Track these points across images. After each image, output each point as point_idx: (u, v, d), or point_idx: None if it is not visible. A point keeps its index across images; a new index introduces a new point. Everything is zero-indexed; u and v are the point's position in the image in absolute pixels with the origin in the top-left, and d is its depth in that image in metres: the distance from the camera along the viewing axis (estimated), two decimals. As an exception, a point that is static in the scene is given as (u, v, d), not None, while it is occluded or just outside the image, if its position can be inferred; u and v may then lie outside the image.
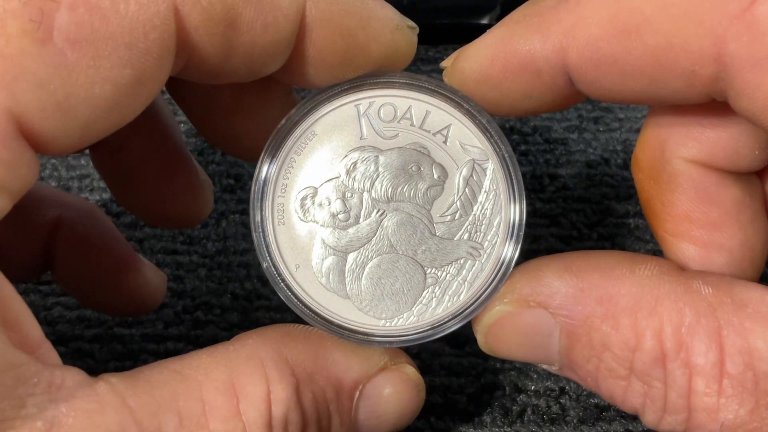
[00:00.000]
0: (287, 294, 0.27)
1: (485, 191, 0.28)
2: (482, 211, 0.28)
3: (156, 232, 0.43)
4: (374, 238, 0.28)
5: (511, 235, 0.27)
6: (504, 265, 0.27)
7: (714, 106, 0.25)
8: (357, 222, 0.28)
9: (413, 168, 0.28)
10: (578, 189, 0.44)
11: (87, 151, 0.44)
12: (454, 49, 0.28)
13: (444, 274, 0.27)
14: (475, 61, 0.27)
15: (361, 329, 0.27)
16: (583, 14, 0.25)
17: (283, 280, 0.27)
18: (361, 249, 0.27)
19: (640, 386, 0.25)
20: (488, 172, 0.28)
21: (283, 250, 0.27)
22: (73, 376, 0.22)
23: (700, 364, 0.24)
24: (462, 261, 0.27)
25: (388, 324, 0.27)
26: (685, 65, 0.23)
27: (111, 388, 0.23)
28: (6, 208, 0.22)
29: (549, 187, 0.44)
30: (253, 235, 0.27)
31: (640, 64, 0.24)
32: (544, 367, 0.28)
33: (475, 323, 0.28)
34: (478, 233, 0.28)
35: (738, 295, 0.25)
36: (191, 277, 0.41)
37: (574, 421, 0.35)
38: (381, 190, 0.28)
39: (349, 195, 0.28)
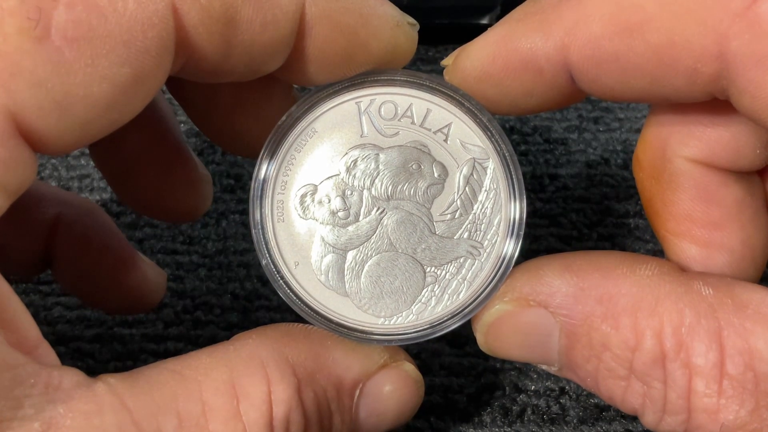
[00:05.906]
0: (286, 291, 0.27)
1: (485, 190, 0.27)
2: (482, 210, 0.27)
3: (156, 232, 0.42)
4: (374, 236, 0.27)
5: (511, 234, 0.27)
6: (504, 264, 0.27)
7: (715, 104, 0.25)
8: (357, 220, 0.27)
9: (413, 166, 0.27)
10: (578, 189, 0.44)
11: (87, 150, 0.44)
12: (454, 49, 0.28)
13: (443, 272, 0.27)
14: (476, 59, 0.27)
15: (360, 327, 0.27)
16: (584, 12, 0.24)
17: (282, 278, 0.27)
18: (361, 247, 0.27)
19: (640, 387, 0.25)
20: (489, 171, 0.28)
21: (283, 247, 0.27)
22: (71, 376, 0.22)
23: (700, 365, 0.24)
24: (462, 260, 0.27)
25: (387, 322, 0.27)
26: (687, 63, 0.23)
27: (109, 388, 0.23)
28: (4, 206, 0.22)
29: (549, 187, 0.44)
30: (253, 232, 0.27)
31: (642, 62, 0.24)
32: (544, 367, 0.28)
33: (475, 322, 0.28)
34: (478, 232, 0.27)
35: (739, 296, 0.24)
36: (191, 277, 0.41)
37: (574, 421, 0.35)
38: (381, 188, 0.27)
39: (349, 193, 0.27)
